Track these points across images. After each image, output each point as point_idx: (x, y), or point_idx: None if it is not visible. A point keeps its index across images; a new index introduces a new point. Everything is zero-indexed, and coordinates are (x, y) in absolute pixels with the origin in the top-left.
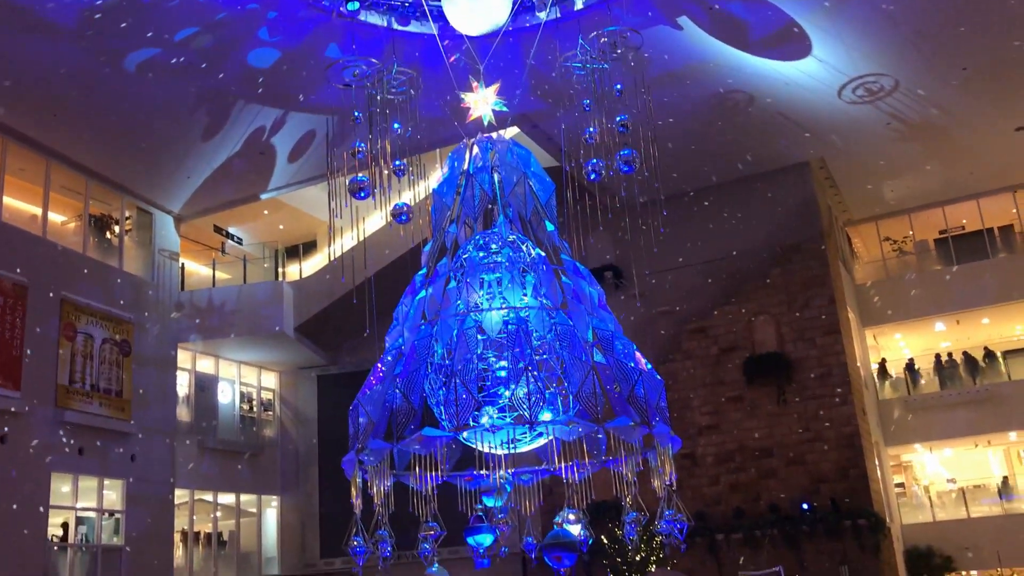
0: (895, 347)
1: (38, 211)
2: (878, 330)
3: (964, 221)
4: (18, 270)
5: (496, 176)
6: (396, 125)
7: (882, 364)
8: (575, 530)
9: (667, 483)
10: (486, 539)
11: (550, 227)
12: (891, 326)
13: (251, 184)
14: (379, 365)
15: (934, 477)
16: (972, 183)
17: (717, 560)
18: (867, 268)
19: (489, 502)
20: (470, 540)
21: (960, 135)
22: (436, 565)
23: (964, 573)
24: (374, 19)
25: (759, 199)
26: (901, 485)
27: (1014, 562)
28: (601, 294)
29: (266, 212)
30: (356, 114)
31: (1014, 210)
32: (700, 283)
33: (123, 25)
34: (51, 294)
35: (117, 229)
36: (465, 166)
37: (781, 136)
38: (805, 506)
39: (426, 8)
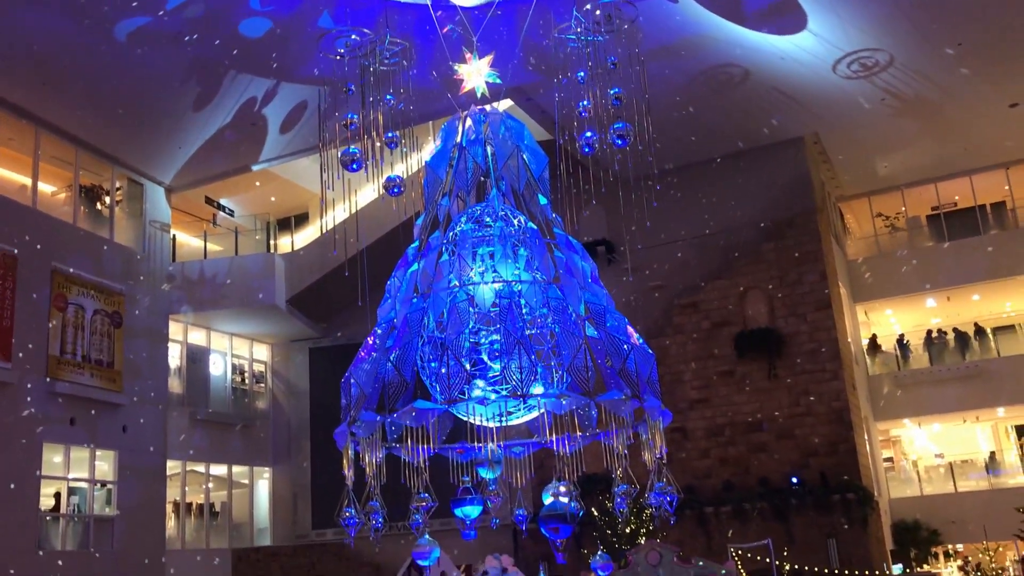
0: (886, 323)
1: (28, 181)
2: (869, 306)
3: (956, 197)
4: (8, 241)
5: (489, 149)
6: (389, 97)
7: (873, 339)
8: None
9: (657, 456)
10: (473, 511)
11: (543, 200)
12: (882, 302)
13: (243, 155)
14: (370, 338)
15: (922, 452)
16: (965, 159)
17: (706, 533)
18: (859, 244)
19: (484, 473)
20: (457, 512)
21: (954, 111)
22: (427, 536)
23: (950, 546)
24: None
25: (753, 174)
26: (890, 460)
27: (999, 536)
28: (594, 268)
29: (258, 184)
30: (348, 85)
31: (1006, 187)
32: (692, 258)
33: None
34: (41, 265)
35: (108, 200)
36: (458, 139)
37: (775, 111)
38: (794, 480)
39: None
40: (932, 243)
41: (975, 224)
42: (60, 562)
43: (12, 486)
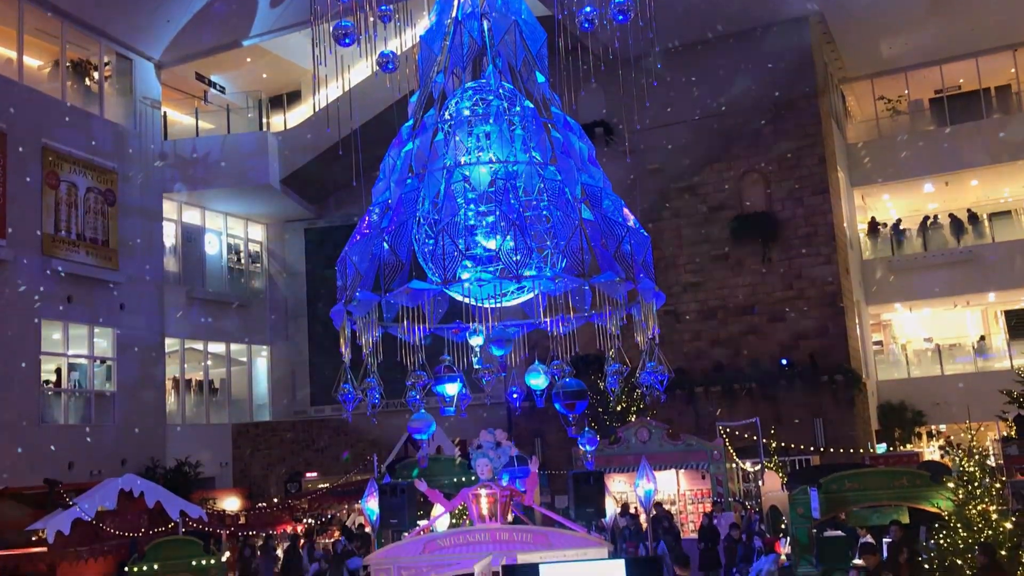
0: (883, 208)
1: (13, 54)
2: (867, 190)
3: (961, 80)
4: None
5: (486, 23)
6: None
7: (872, 222)
8: (541, 381)
9: (650, 336)
10: (452, 388)
11: (540, 78)
12: (880, 186)
13: (233, 30)
14: (366, 218)
15: (912, 336)
16: (971, 40)
17: (695, 411)
18: (860, 127)
19: (496, 352)
20: (437, 389)
21: None
22: (422, 410)
23: (933, 427)
24: None
25: (755, 53)
26: (879, 343)
27: (982, 417)
28: (591, 149)
29: (249, 60)
30: None
31: (1013, 69)
32: (691, 140)
33: None
34: (32, 141)
35: (96, 75)
36: (453, 13)
37: None
38: (784, 361)
39: None
40: (933, 127)
41: (978, 108)
42: (63, 435)
43: (12, 362)
